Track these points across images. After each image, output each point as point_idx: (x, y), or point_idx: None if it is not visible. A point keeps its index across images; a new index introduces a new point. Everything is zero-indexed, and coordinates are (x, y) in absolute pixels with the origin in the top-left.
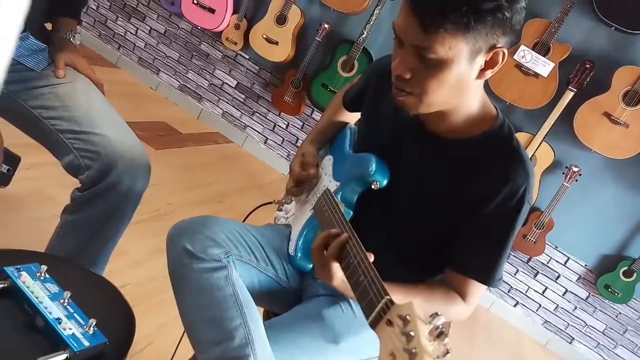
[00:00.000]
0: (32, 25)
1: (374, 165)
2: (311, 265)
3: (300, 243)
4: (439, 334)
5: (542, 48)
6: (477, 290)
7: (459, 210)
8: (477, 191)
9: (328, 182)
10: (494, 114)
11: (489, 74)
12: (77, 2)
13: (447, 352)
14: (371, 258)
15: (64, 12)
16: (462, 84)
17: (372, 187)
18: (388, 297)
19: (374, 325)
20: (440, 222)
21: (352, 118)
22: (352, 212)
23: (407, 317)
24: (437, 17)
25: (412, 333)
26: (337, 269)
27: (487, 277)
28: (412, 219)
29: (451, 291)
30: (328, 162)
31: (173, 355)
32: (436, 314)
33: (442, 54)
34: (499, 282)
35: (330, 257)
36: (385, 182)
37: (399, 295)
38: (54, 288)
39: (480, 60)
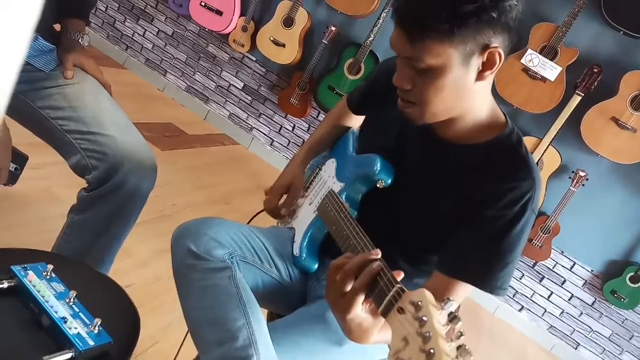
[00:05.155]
0: (41, 27)
1: (379, 165)
2: (316, 266)
3: (305, 244)
4: (452, 318)
5: (549, 52)
6: (459, 294)
7: (461, 212)
8: (481, 194)
9: (332, 183)
10: (502, 121)
11: (488, 75)
12: (86, 4)
13: (461, 335)
14: (400, 276)
15: (73, 14)
16: (461, 88)
17: (378, 185)
18: (399, 285)
19: (385, 313)
20: (443, 224)
21: (356, 123)
22: (356, 212)
23: (419, 303)
24: (419, 27)
25: (424, 318)
26: (359, 302)
27: (478, 279)
28: (415, 221)
29: None
30: (331, 164)
31: (176, 356)
32: (448, 298)
33: (431, 62)
34: (499, 291)
35: (360, 288)
36: (390, 181)
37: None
38: (60, 287)
39: (476, 62)
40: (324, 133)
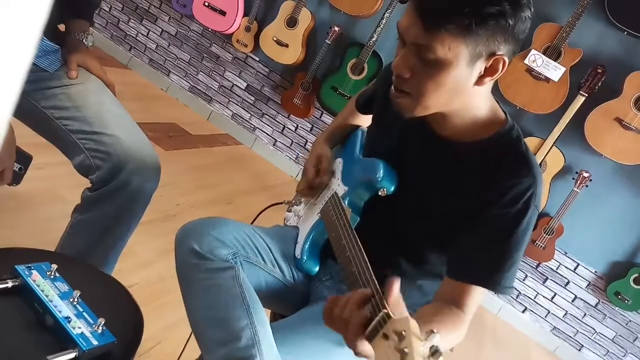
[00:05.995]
0: (46, 27)
1: (381, 172)
2: (317, 269)
3: (306, 246)
4: (434, 352)
5: (553, 52)
6: (475, 298)
7: (464, 213)
8: (482, 194)
9: (337, 185)
10: (502, 119)
11: (487, 81)
12: (90, 4)
13: None
14: (397, 284)
15: (77, 14)
16: (459, 88)
17: (380, 193)
18: (385, 310)
19: (370, 338)
20: (445, 225)
21: (365, 122)
22: (359, 218)
23: (403, 332)
24: (439, 16)
25: (406, 350)
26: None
27: (488, 280)
28: (418, 222)
29: (453, 310)
30: (338, 165)
31: (180, 356)
32: (432, 331)
33: (441, 54)
34: (506, 290)
35: (357, 326)
36: (392, 189)
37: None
38: (64, 287)
39: (480, 66)
40: (341, 122)
